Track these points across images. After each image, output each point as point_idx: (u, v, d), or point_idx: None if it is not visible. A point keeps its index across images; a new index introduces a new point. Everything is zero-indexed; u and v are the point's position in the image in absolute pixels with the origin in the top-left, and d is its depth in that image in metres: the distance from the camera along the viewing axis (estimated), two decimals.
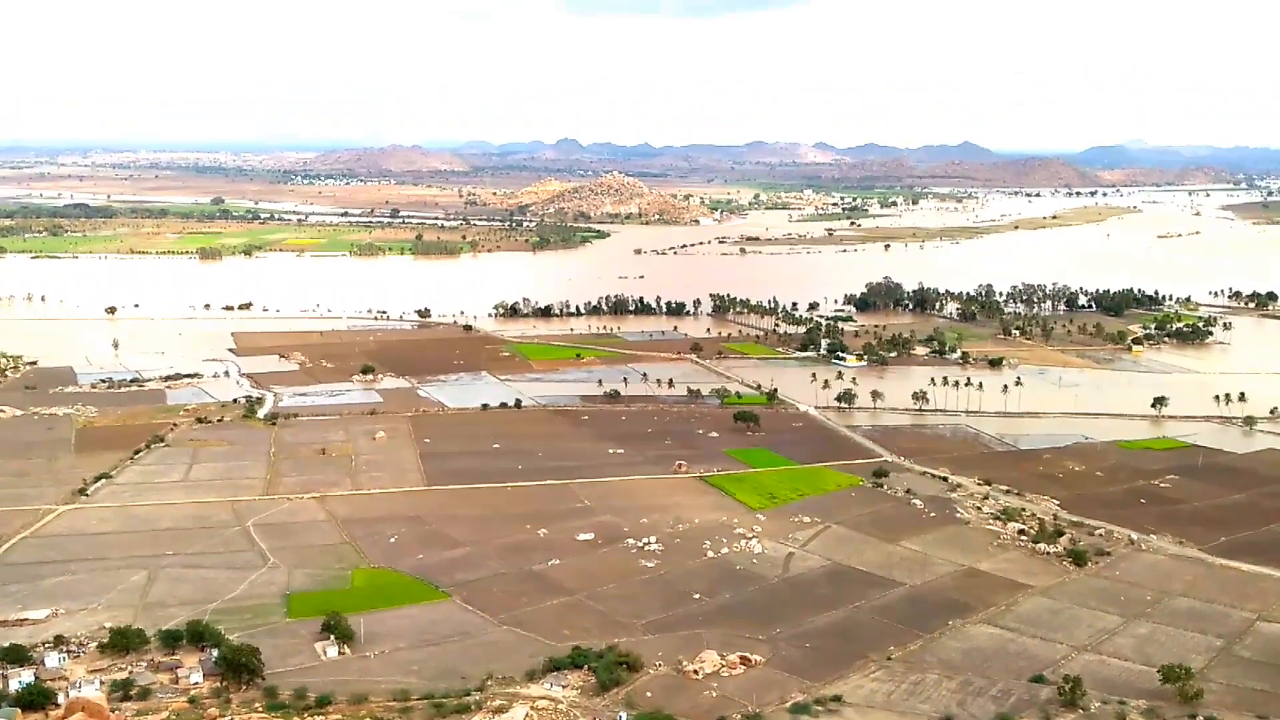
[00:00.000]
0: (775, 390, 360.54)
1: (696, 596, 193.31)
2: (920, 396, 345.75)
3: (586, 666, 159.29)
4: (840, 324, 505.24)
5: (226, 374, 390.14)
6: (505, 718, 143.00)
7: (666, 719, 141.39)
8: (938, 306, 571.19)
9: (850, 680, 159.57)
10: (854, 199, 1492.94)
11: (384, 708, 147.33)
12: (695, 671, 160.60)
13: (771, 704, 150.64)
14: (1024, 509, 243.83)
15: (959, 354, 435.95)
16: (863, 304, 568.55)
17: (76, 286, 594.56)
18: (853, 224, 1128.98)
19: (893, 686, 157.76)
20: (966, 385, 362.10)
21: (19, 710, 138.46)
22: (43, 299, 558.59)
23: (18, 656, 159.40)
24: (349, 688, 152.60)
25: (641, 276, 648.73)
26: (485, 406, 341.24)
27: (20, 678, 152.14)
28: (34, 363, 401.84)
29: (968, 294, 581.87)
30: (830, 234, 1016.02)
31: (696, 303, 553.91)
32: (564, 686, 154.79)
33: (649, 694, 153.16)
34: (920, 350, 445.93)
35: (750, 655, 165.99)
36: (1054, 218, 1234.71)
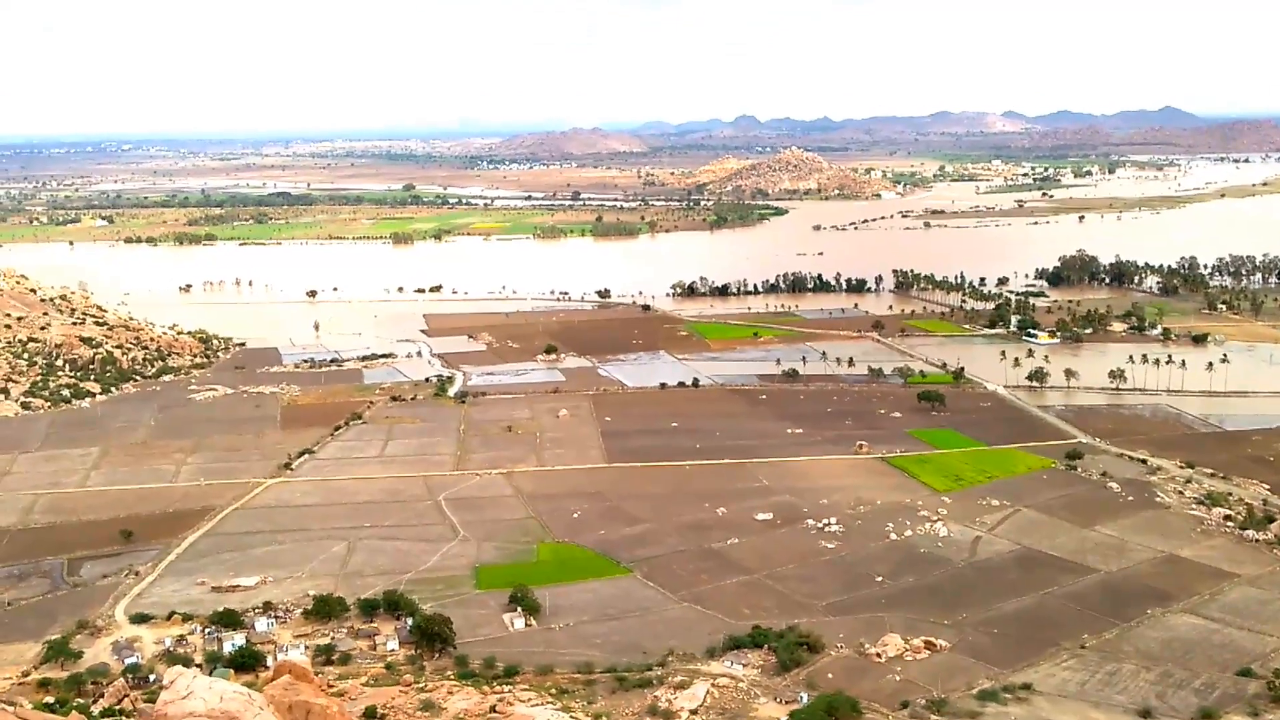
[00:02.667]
0: (962, 369, 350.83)
1: (879, 579, 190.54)
2: (1117, 375, 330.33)
3: (767, 646, 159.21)
4: (1031, 299, 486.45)
5: (419, 354, 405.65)
6: (687, 693, 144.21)
7: (849, 701, 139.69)
8: (1136, 280, 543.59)
9: (1041, 668, 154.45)
10: (1045, 169, 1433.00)
11: (569, 679, 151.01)
12: (878, 655, 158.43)
13: (958, 690, 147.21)
14: (1230, 493, 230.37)
15: (1159, 330, 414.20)
16: (1055, 278, 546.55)
17: (280, 271, 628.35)
18: (1044, 195, 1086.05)
19: (1086, 676, 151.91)
20: (1168, 363, 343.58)
21: (232, 670, 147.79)
22: (250, 284, 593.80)
23: (231, 621, 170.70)
24: (535, 658, 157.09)
25: (820, 253, 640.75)
26: (663, 385, 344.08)
27: (233, 640, 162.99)
28: (243, 344, 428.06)
29: (1169, 267, 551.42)
30: (1020, 206, 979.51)
31: (878, 279, 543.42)
32: (744, 665, 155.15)
33: (830, 675, 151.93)
34: (1117, 326, 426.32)
35: (935, 640, 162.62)
36: (1264, 184, 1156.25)
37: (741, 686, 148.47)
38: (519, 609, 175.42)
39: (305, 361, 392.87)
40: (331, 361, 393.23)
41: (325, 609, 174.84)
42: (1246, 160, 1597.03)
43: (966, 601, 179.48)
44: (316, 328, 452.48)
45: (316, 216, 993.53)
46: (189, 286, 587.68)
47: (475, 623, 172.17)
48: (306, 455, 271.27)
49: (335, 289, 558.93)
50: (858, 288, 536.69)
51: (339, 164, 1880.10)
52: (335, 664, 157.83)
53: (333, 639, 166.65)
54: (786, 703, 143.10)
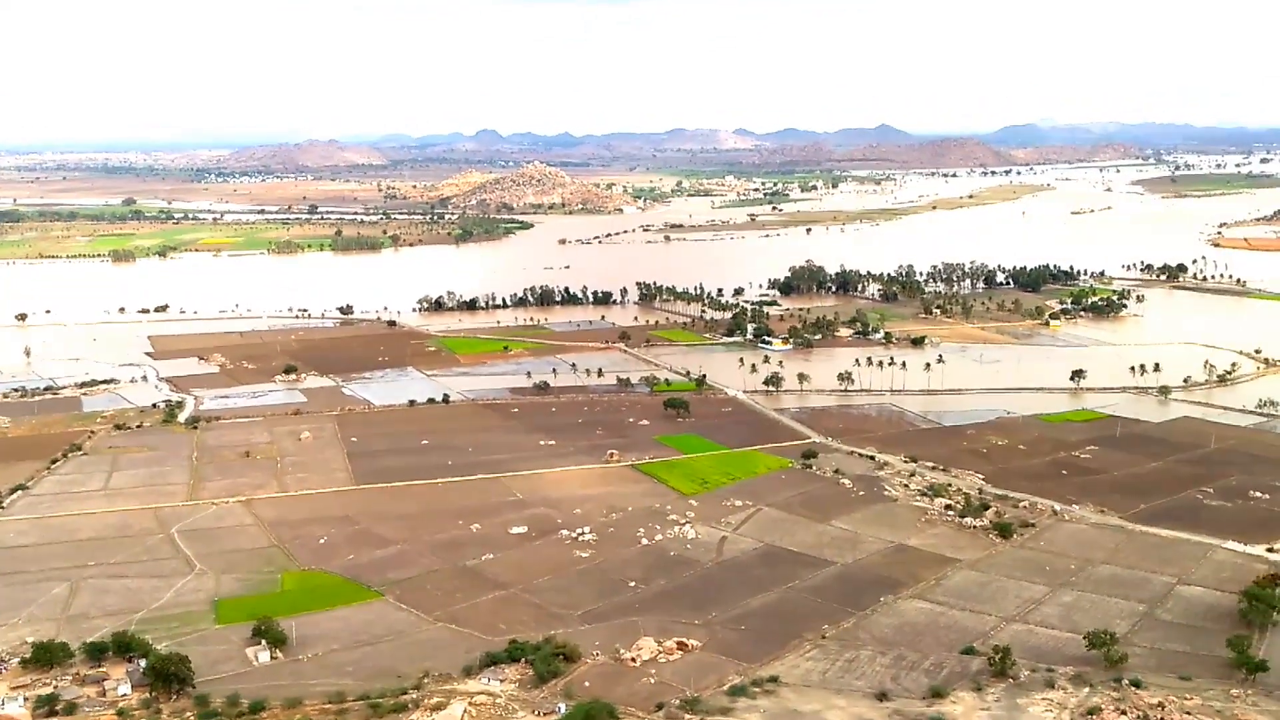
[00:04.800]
0: (704, 376, 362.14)
1: (632, 584, 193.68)
2: (846, 377, 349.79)
3: (524, 659, 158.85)
4: (765, 308, 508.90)
5: (144, 379, 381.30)
6: (443, 715, 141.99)
7: (605, 707, 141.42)
8: (860, 288, 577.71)
9: (786, 660, 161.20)
10: (775, 184, 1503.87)
11: (319, 710, 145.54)
12: (633, 659, 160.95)
13: (709, 687, 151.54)
14: (950, 484, 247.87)
15: (882, 334, 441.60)
16: (786, 288, 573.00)
17: None
18: (774, 209, 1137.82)
19: (828, 665, 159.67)
20: (890, 365, 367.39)
21: None
22: None
23: None
24: (282, 692, 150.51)
25: (567, 267, 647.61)
26: (412, 403, 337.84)
27: None
28: None
29: (889, 275, 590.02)
30: (753, 219, 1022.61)
31: (623, 291, 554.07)
32: (501, 680, 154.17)
33: (587, 683, 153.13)
34: (844, 332, 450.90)
35: (687, 640, 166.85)
36: (970, 197, 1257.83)
37: (499, 702, 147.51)
38: (263, 642, 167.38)
39: (15, 390, 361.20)
40: (46, 390, 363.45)
41: (46, 656, 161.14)
42: (954, 175, 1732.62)
43: (715, 600, 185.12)
44: (28, 354, 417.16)
45: (25, 234, 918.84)
46: None
47: (216, 659, 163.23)
48: (20, 492, 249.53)
49: (48, 311, 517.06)
50: (604, 300, 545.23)
51: (49, 177, 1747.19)
52: (59, 715, 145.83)
53: (56, 688, 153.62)
54: (545, 714, 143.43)
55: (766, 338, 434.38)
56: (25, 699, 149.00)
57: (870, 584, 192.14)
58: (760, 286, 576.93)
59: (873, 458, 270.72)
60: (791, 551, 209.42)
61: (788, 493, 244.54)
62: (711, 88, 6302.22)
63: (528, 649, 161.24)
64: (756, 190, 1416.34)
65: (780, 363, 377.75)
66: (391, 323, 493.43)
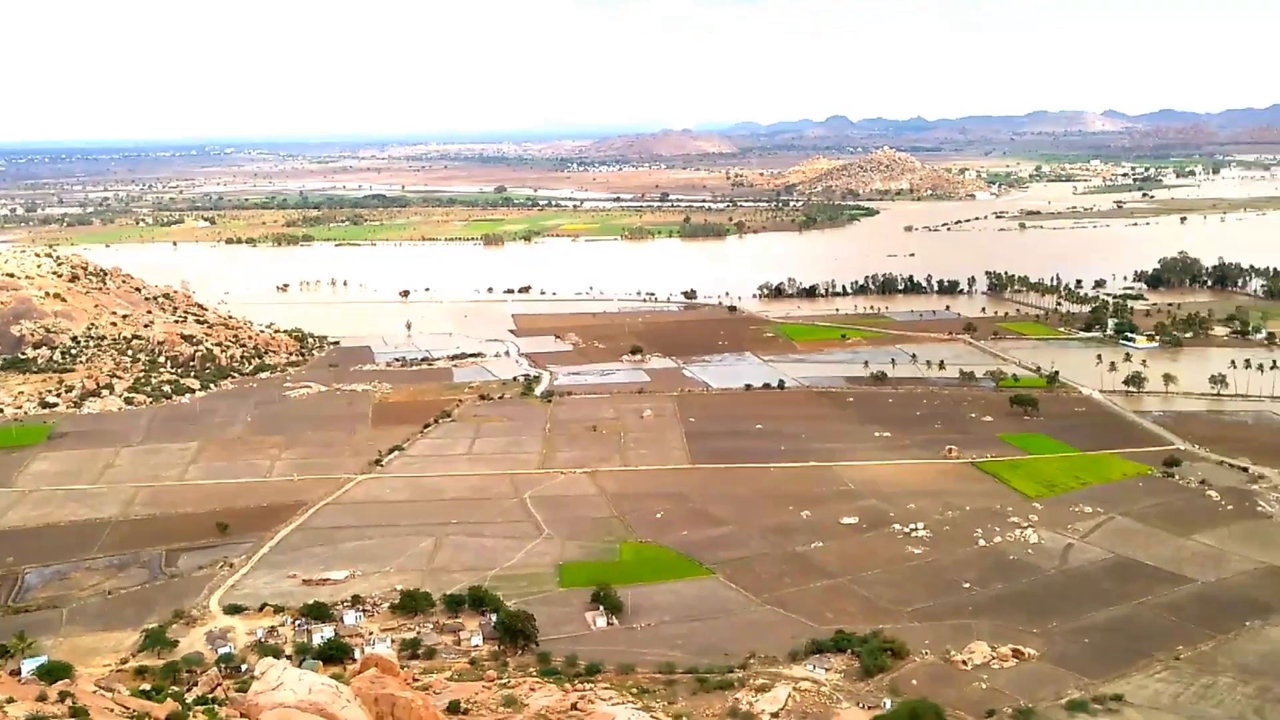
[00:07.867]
0: (1056, 373, 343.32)
1: (966, 585, 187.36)
2: (1219, 380, 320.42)
3: (850, 650, 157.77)
4: (1129, 302, 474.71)
5: (507, 354, 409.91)
6: (768, 696, 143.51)
7: (932, 708, 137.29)
8: (1240, 283, 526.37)
9: (1133, 679, 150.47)
10: (1146, 169, 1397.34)
11: (650, 679, 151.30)
12: (964, 662, 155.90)
13: (1046, 700, 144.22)
14: None
15: (1264, 334, 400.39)
16: (1155, 281, 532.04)
17: (374, 271, 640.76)
18: (1144, 196, 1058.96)
19: (1180, 688, 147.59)
20: (1272, 368, 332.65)
21: (321, 663, 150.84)
22: (345, 284, 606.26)
23: (320, 613, 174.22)
24: (616, 657, 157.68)
25: (912, 254, 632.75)
26: (748, 387, 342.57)
27: (322, 633, 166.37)
28: (337, 343, 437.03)
29: (1276, 269, 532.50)
30: (1119, 206, 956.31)
31: (971, 281, 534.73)
32: (827, 669, 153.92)
33: (914, 682, 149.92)
34: (1219, 331, 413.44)
35: (1023, 648, 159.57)
36: None
37: (824, 690, 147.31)
38: (601, 608, 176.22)
39: (397, 360, 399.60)
40: (422, 360, 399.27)
41: (412, 604, 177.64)
42: None
43: (1056, 610, 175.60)
44: (408, 327, 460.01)
45: (410, 218, 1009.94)
46: (286, 286, 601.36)
47: (558, 620, 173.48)
48: (397, 452, 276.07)
49: (427, 289, 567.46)
50: (950, 289, 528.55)
51: (433, 166, 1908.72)
52: (420, 658, 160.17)
53: (419, 633, 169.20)
54: (869, 708, 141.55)
55: (1129, 334, 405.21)
56: (392, 641, 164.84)
57: (1234, 606, 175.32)
58: (1124, 279, 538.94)
59: (1245, 470, 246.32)
60: (1145, 565, 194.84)
61: (1144, 502, 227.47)
62: (1077, 67, 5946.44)
63: (855, 640, 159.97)
64: (1125, 175, 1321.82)
65: (1144, 362, 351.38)
66: (732, 308, 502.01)
